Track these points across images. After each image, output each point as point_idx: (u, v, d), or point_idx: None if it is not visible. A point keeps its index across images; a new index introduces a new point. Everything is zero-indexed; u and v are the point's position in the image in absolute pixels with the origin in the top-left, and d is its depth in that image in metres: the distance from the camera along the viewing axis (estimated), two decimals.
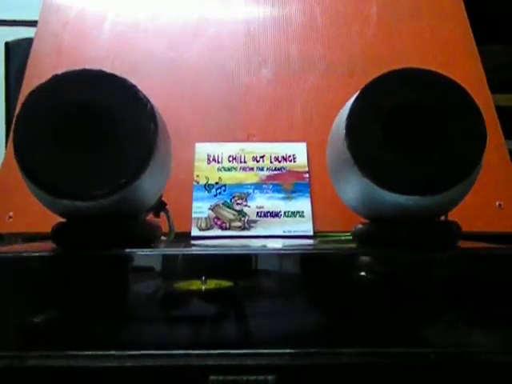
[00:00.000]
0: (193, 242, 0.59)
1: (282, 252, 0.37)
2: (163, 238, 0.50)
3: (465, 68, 0.76)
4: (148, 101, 0.40)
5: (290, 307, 0.36)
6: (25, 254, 0.38)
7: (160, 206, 0.48)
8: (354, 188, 0.41)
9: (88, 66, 0.73)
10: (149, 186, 0.41)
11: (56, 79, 0.39)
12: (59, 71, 0.74)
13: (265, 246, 0.40)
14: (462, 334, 0.36)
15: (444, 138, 0.38)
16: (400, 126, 0.39)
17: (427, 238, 0.40)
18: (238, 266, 0.36)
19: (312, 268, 0.37)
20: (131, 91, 0.39)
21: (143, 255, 0.37)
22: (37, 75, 0.75)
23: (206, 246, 0.42)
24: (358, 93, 0.40)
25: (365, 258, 0.37)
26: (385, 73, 0.40)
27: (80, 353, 0.35)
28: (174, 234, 0.52)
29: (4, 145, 0.83)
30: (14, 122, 0.38)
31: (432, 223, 0.40)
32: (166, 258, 0.36)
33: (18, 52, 0.79)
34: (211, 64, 0.77)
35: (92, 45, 0.77)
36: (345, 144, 0.39)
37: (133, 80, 0.74)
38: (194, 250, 0.38)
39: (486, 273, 0.37)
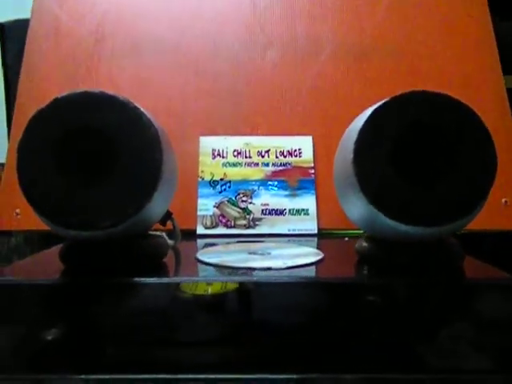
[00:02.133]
0: (198, 241, 0.60)
1: (284, 280, 0.38)
2: (170, 241, 0.51)
3: (478, 53, 0.74)
4: (151, 124, 0.39)
5: (292, 333, 0.37)
6: (35, 282, 0.38)
7: (166, 217, 0.48)
8: (359, 210, 0.41)
9: (88, 50, 0.72)
10: (156, 208, 0.41)
11: (56, 103, 0.38)
12: (59, 53, 0.73)
13: (270, 268, 0.40)
14: (460, 359, 0.37)
15: (453, 167, 0.37)
16: (409, 152, 0.38)
17: (431, 262, 0.40)
18: (241, 292, 0.37)
19: (314, 295, 0.38)
20: (134, 114, 0.38)
21: (147, 283, 0.37)
22: (36, 58, 0.73)
23: (210, 263, 0.42)
24: (367, 115, 0.39)
25: (366, 286, 0.38)
26: (395, 96, 0.39)
27: (93, 376, 0.37)
28: (180, 234, 0.53)
29: (6, 130, 0.82)
30: (16, 149, 0.38)
31: (435, 247, 0.40)
32: (169, 286, 0.37)
33: (15, 33, 0.77)
34: (214, 46, 0.74)
35: (91, 25, 0.74)
36: (352, 168, 0.39)
37: (135, 63, 0.73)
38: (198, 278, 0.39)
39: (484, 300, 0.38)
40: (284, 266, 0.41)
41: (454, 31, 0.74)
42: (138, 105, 0.39)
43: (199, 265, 0.43)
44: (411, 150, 0.38)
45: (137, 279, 0.37)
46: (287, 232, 0.61)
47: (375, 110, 0.39)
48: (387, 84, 0.71)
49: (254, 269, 0.41)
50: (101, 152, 0.38)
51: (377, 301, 0.38)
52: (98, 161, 0.38)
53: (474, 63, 0.73)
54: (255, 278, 0.38)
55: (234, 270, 0.41)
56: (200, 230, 0.61)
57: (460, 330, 0.37)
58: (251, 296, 0.38)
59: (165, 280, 0.38)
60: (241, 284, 0.37)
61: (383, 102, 0.39)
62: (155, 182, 0.38)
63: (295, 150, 0.65)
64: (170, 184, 0.43)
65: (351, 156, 0.39)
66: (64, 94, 0.39)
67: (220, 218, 0.62)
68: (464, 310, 0.37)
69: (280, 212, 0.62)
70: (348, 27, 0.73)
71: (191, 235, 0.61)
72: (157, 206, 0.41)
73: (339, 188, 0.44)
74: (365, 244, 0.44)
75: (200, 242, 0.60)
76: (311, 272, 0.42)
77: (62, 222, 0.37)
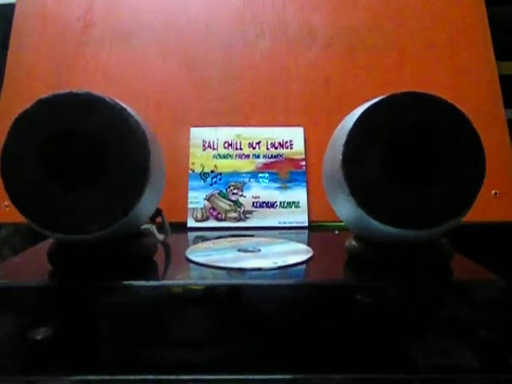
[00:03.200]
0: (189, 234, 0.60)
1: (274, 283, 0.38)
2: (160, 235, 0.51)
3: (472, 38, 0.73)
4: (139, 126, 0.38)
5: (282, 334, 0.38)
6: (24, 284, 0.38)
7: (156, 214, 0.48)
8: (348, 212, 0.41)
9: (76, 36, 0.71)
10: (144, 210, 0.41)
11: (40, 105, 0.37)
12: (45, 40, 0.71)
13: (260, 268, 0.41)
14: (448, 359, 0.38)
15: (443, 170, 0.37)
16: (398, 154, 0.38)
17: (419, 263, 0.40)
18: (229, 295, 0.38)
19: (303, 296, 0.38)
20: (120, 116, 0.38)
21: (137, 286, 0.37)
22: (23, 44, 0.72)
23: (199, 263, 0.42)
24: (357, 116, 0.39)
25: (354, 288, 0.38)
26: (385, 96, 0.38)
27: (85, 377, 0.37)
28: (170, 230, 0.53)
29: None
30: (0, 153, 0.37)
31: (424, 247, 0.41)
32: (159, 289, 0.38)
33: (1, 17, 0.75)
34: (206, 33, 0.73)
35: (79, 10, 0.72)
36: (341, 171, 0.38)
37: (124, 50, 0.72)
38: (187, 282, 0.39)
39: (470, 301, 0.38)
40: (274, 266, 0.42)
41: (449, 17, 0.73)
42: (124, 105, 0.39)
43: (188, 264, 0.43)
44: (400, 152, 0.38)
45: (126, 283, 0.37)
46: (278, 225, 0.61)
47: (365, 111, 0.38)
48: (380, 73, 0.70)
49: (244, 269, 0.41)
50: (87, 155, 0.37)
51: (365, 302, 0.38)
52: (84, 164, 0.37)
53: (468, 50, 0.72)
54: (244, 281, 0.38)
55: (223, 270, 0.41)
56: (191, 223, 0.61)
57: (447, 331, 0.38)
58: (241, 298, 0.38)
59: (153, 283, 0.38)
60: (230, 286, 0.37)
61: (373, 102, 0.39)
62: (143, 184, 0.38)
63: (286, 142, 0.65)
64: (158, 184, 0.42)
65: (340, 158, 0.38)
66: (48, 94, 0.38)
67: (211, 210, 0.62)
68: (451, 311, 0.38)
69: (271, 205, 0.62)
70: (341, 14, 0.72)
71: (182, 228, 0.61)
72: (145, 208, 0.41)
73: (328, 187, 0.44)
74: (354, 243, 0.44)
75: (191, 235, 0.60)
76: (301, 272, 0.42)
77: (48, 226, 0.37)
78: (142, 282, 0.38)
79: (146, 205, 0.40)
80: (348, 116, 0.42)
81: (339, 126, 0.43)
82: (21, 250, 0.78)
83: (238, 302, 0.38)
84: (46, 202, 0.37)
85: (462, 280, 0.39)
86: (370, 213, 0.38)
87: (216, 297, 0.38)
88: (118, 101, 0.39)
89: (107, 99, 0.38)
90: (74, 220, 0.36)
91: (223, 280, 0.39)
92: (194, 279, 0.39)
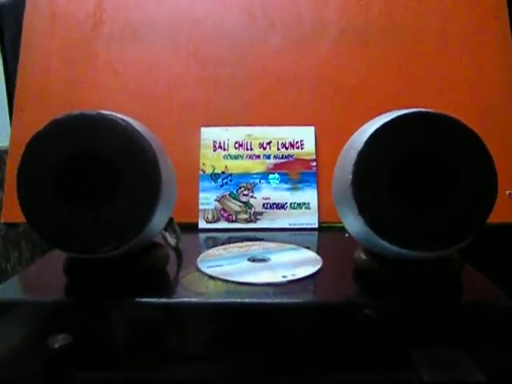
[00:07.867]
0: (200, 235, 0.61)
1: (282, 302, 0.39)
2: (172, 239, 0.52)
3: (489, 28, 0.71)
4: (150, 146, 0.38)
5: (288, 351, 0.39)
6: (39, 300, 0.40)
7: (167, 224, 0.49)
8: (356, 229, 0.41)
9: (86, 34, 0.70)
10: (156, 227, 0.42)
11: (54, 126, 0.38)
12: (55, 39, 0.71)
13: (269, 283, 0.42)
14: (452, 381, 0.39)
15: (452, 194, 0.37)
16: (408, 176, 0.38)
17: (428, 280, 0.41)
18: (236, 314, 0.39)
19: (309, 316, 0.39)
20: (132, 138, 0.38)
21: (148, 304, 0.39)
22: (33, 43, 0.71)
23: (210, 275, 0.43)
24: (367, 137, 0.38)
25: (359, 308, 0.39)
26: (396, 116, 0.38)
27: None
28: (181, 235, 0.54)
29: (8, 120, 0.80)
30: (16, 174, 0.38)
31: (433, 264, 0.41)
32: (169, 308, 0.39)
33: (11, 15, 0.74)
34: (215, 29, 0.72)
35: (88, 8, 0.72)
36: (350, 191, 0.39)
37: (134, 49, 0.71)
38: (197, 300, 0.40)
39: (478, 320, 0.39)
40: (283, 280, 0.42)
41: (467, 9, 0.71)
42: (135, 124, 0.39)
43: (199, 276, 0.44)
44: (411, 174, 0.38)
45: (137, 300, 0.38)
46: (288, 226, 0.62)
47: (375, 131, 0.38)
48: (394, 69, 0.69)
49: (254, 284, 0.42)
50: (99, 176, 0.38)
51: (370, 322, 0.39)
52: (96, 185, 0.38)
53: (487, 44, 0.70)
54: (253, 301, 0.39)
55: (234, 284, 0.42)
56: (202, 225, 0.62)
57: (452, 352, 0.38)
58: (250, 316, 0.39)
59: (164, 301, 0.39)
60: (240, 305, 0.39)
61: (383, 122, 0.38)
62: (154, 204, 0.38)
63: (297, 142, 0.65)
64: (170, 199, 0.43)
65: (350, 177, 0.39)
66: (60, 116, 0.38)
67: (221, 211, 0.62)
68: (458, 330, 0.38)
69: (281, 206, 0.62)
70: (354, 8, 0.70)
71: (193, 229, 0.62)
72: (157, 225, 0.41)
73: (338, 201, 0.44)
74: (363, 256, 0.44)
75: (202, 236, 0.61)
76: (308, 288, 0.43)
77: (62, 246, 0.38)
78: (154, 300, 0.39)
79: (158, 222, 0.41)
80: (358, 131, 0.42)
81: (349, 142, 0.43)
82: (38, 243, 0.80)
83: (246, 320, 0.39)
84: (59, 223, 0.38)
85: (469, 300, 0.40)
86: (378, 233, 0.38)
87: (225, 315, 0.39)
88: (129, 120, 0.39)
89: (119, 120, 0.38)
90: (87, 241, 0.37)
91: (232, 299, 0.40)
92: (204, 297, 0.40)
